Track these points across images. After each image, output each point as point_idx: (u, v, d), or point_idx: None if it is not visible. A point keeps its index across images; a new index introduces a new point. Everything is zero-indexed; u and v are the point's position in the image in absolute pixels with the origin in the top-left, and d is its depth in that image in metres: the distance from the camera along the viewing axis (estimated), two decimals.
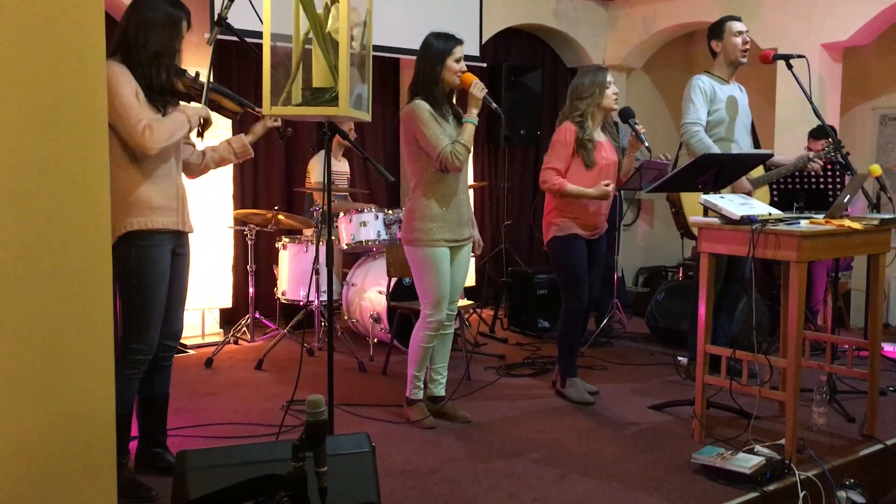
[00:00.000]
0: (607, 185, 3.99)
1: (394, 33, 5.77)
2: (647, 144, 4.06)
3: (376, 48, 5.76)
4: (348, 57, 2.37)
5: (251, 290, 5.31)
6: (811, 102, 4.10)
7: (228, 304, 5.52)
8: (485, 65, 6.54)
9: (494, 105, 3.60)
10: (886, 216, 3.50)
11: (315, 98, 2.49)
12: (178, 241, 3.00)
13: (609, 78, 4.07)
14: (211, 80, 2.95)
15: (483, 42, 6.43)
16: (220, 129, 4.96)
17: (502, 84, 6.77)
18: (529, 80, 6.96)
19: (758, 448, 3.23)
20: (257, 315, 5.42)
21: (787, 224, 3.26)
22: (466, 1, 6.21)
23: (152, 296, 2.87)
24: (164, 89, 2.86)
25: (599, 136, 4.11)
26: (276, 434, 3.33)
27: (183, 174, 3.08)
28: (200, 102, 2.93)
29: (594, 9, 7.33)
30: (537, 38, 7.43)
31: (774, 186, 5.03)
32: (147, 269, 2.84)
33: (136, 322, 2.88)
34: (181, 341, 5.10)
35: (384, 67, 6.53)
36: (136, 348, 2.89)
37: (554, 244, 4.13)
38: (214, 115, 3.03)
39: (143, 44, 2.79)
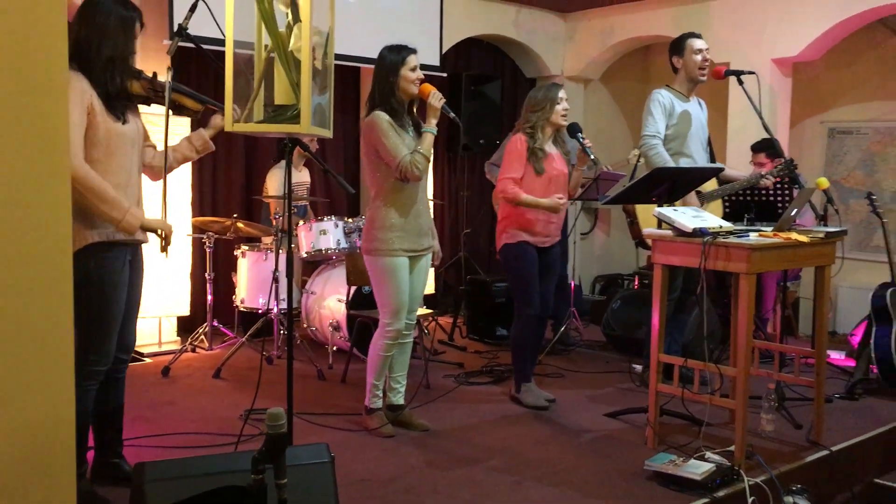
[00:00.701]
0: (560, 199, 4.09)
1: (355, 43, 5.80)
2: (593, 157, 4.16)
3: (337, 57, 5.76)
4: (311, 75, 2.40)
5: (209, 297, 5.29)
6: (761, 118, 4.23)
7: (186, 312, 5.47)
8: (445, 74, 6.60)
9: (453, 114, 3.66)
10: (832, 229, 3.62)
11: (277, 115, 2.52)
12: (133, 252, 2.99)
13: (561, 94, 4.19)
14: (170, 79, 2.93)
15: (443, 52, 6.49)
16: (179, 125, 4.94)
17: (462, 93, 6.83)
18: (489, 89, 7.03)
19: (708, 455, 3.32)
20: (215, 323, 5.39)
21: (738, 237, 3.36)
22: (427, 11, 6.26)
23: (111, 308, 2.86)
24: (121, 94, 2.84)
25: (550, 149, 4.23)
26: (234, 444, 3.33)
27: (146, 177, 3.08)
28: (159, 103, 2.93)
29: (553, 20, 7.43)
30: (497, 49, 7.52)
31: (726, 198, 5.16)
32: (107, 280, 2.83)
33: (95, 333, 2.86)
34: (138, 350, 5.10)
35: (345, 77, 6.54)
36: (94, 359, 2.87)
37: (505, 251, 4.23)
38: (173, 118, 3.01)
39: (97, 50, 2.76)
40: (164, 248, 2.91)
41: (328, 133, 2.78)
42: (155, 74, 2.95)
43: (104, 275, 2.83)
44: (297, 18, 2.42)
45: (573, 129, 4.22)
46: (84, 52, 2.78)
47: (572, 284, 5.94)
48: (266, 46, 2.54)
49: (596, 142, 7.64)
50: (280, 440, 1.80)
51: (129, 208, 2.79)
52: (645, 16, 6.91)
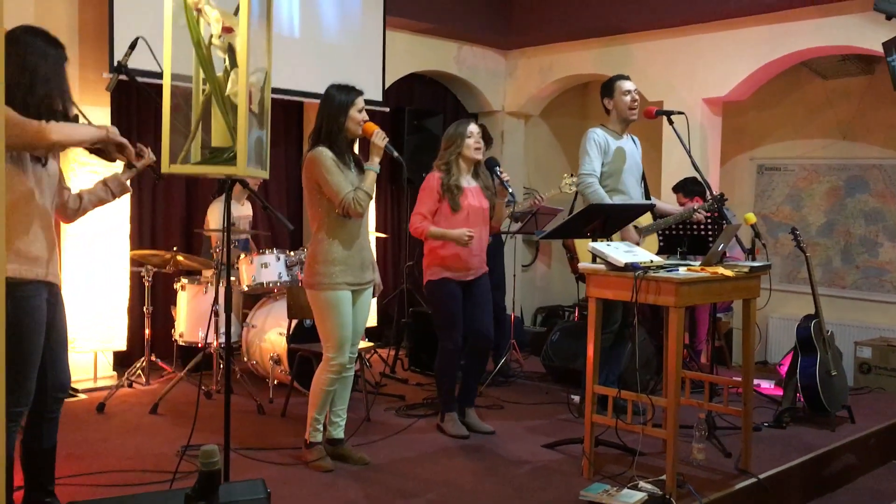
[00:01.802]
0: (469, 233, 4.13)
1: (297, 77, 5.85)
2: (511, 191, 4.24)
3: (281, 91, 5.84)
4: (247, 119, 2.44)
5: (147, 331, 5.22)
6: (690, 155, 4.40)
7: (123, 346, 5.39)
8: (387, 109, 6.69)
9: (396, 154, 3.74)
10: (756, 264, 3.78)
11: (214, 157, 2.55)
12: (50, 291, 2.92)
13: (471, 129, 4.29)
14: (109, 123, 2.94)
15: (386, 87, 6.58)
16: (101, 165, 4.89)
17: (405, 127, 6.93)
18: (431, 124, 7.15)
19: (641, 484, 3.40)
20: (153, 358, 5.32)
21: (667, 271, 3.48)
22: (370, 46, 6.35)
23: (29, 348, 2.79)
24: None
25: (468, 183, 4.32)
26: (170, 482, 3.29)
27: (59, 219, 3.05)
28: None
29: (494, 57, 7.60)
30: (440, 84, 7.65)
31: (661, 233, 5.33)
32: (24, 320, 2.75)
33: (13, 375, 2.78)
34: (73, 385, 4.99)
35: (288, 110, 6.59)
36: (12, 400, 2.80)
37: (428, 287, 4.33)
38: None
39: (29, 88, 2.71)
40: (111, 158, 2.89)
41: (265, 174, 2.83)
42: (76, 117, 2.91)
43: (21, 314, 2.75)
44: (233, 64, 2.46)
45: (490, 164, 4.33)
46: (16, 93, 2.69)
47: (512, 316, 6.02)
48: (203, 88, 2.58)
49: (535, 175, 7.88)
50: (213, 477, 1.81)
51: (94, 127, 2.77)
52: (582, 54, 7.12)
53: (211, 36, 2.47)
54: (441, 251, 4.24)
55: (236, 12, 2.44)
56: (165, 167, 2.63)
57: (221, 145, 2.52)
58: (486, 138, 6.58)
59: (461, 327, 4.29)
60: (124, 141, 2.85)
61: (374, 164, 3.69)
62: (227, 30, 2.43)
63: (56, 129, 2.66)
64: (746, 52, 6.11)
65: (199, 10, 2.41)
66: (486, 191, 4.37)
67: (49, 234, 2.88)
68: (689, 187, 5.84)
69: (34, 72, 2.74)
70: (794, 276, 6.77)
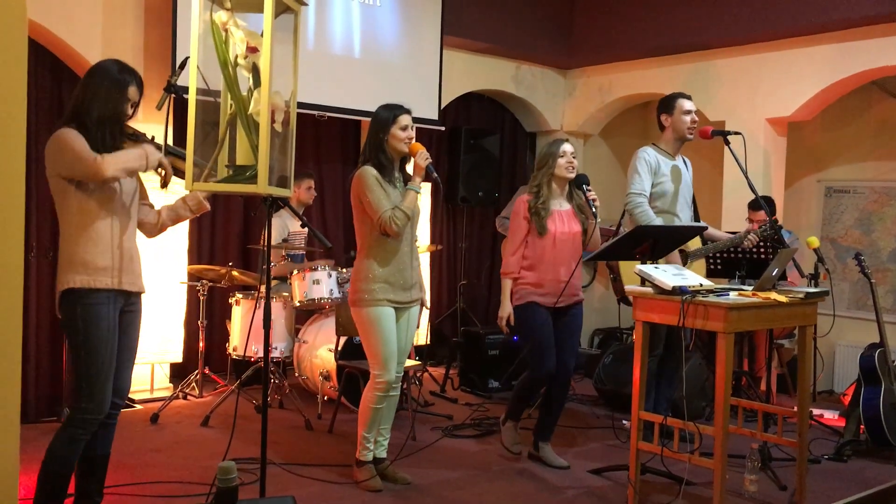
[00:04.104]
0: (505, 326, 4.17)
1: (356, 96, 5.92)
2: (594, 211, 4.08)
3: (340, 110, 5.94)
4: (268, 139, 2.47)
5: (202, 344, 5.32)
6: (746, 176, 4.28)
7: (179, 358, 5.51)
8: (444, 128, 6.71)
9: (435, 174, 3.75)
10: (812, 290, 3.63)
11: (236, 175, 2.59)
12: (126, 300, 3.04)
13: (565, 148, 4.13)
14: (170, 142, 3.03)
15: (442, 106, 6.60)
16: (177, 184, 5.02)
17: (461, 146, 6.94)
18: (488, 143, 7.14)
19: None
20: (206, 370, 5.42)
21: (717, 296, 3.38)
22: (427, 66, 6.39)
23: (100, 354, 2.90)
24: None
25: (560, 206, 4.17)
26: (207, 495, 3.33)
27: (140, 233, 3.17)
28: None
29: (552, 76, 7.56)
30: (497, 103, 7.64)
31: (718, 256, 5.19)
32: (92, 326, 2.89)
33: (86, 381, 2.90)
34: (130, 396, 5.12)
35: (346, 128, 6.67)
36: (85, 407, 2.91)
37: (516, 312, 4.17)
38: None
39: (87, 111, 2.89)
40: (164, 185, 2.98)
41: (288, 193, 2.88)
42: (153, 137, 3.05)
43: (89, 321, 2.89)
44: (257, 83, 2.50)
45: (578, 181, 4.16)
46: (79, 114, 2.92)
47: None
48: (230, 105, 2.63)
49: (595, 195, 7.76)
50: (231, 494, 1.82)
51: (149, 152, 2.89)
52: (642, 74, 7.02)
53: (237, 56, 2.52)
54: (531, 276, 4.13)
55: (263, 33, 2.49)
56: (189, 185, 2.68)
57: (245, 163, 2.56)
58: None
59: (553, 356, 4.12)
60: (164, 162, 2.95)
61: (415, 183, 3.70)
62: (252, 49, 2.47)
63: (110, 165, 2.80)
64: (813, 70, 5.93)
65: (226, 30, 2.47)
66: (581, 213, 4.22)
67: (124, 246, 2.99)
68: (771, 207, 5.60)
69: (94, 95, 2.91)
70: (863, 302, 6.50)
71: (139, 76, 3.02)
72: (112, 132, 2.93)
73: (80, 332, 2.89)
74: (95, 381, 2.90)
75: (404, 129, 3.70)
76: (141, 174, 3.13)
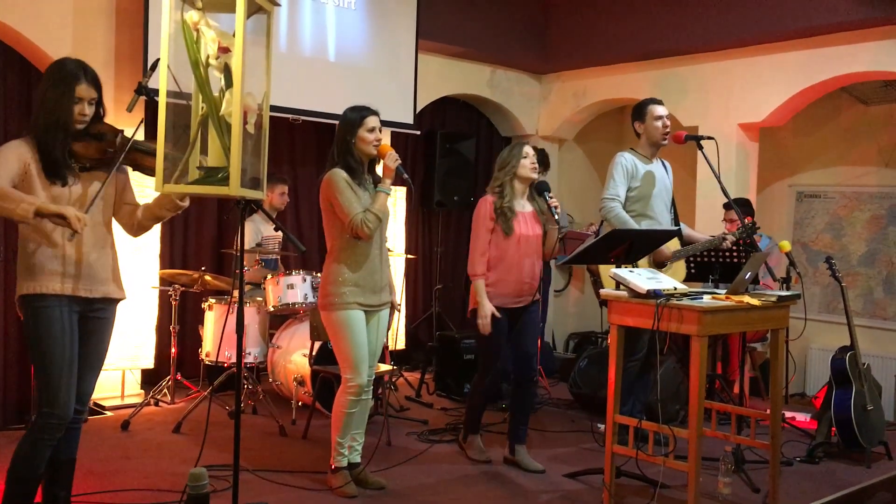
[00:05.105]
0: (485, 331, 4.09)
1: (330, 100, 5.87)
2: (556, 217, 4.09)
3: (316, 114, 5.90)
4: (240, 140, 2.44)
5: (174, 350, 5.25)
6: (719, 180, 4.33)
7: (151, 364, 5.42)
8: (419, 132, 6.69)
9: (406, 176, 3.72)
10: (784, 293, 3.66)
11: (208, 177, 2.56)
12: (87, 306, 2.97)
13: (527, 150, 4.18)
14: (141, 137, 2.97)
15: (418, 110, 6.59)
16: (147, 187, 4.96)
17: (437, 150, 6.93)
18: (463, 147, 7.14)
19: None
20: (178, 377, 5.34)
21: (691, 299, 3.39)
22: (402, 70, 6.37)
23: (55, 358, 2.85)
24: (60, 162, 2.86)
25: (523, 207, 4.20)
26: (179, 501, 3.28)
27: (128, 233, 3.17)
28: (126, 163, 2.98)
29: (527, 81, 7.58)
30: (473, 107, 7.64)
31: (692, 259, 5.21)
32: (43, 331, 2.85)
33: (45, 386, 2.86)
34: (99, 402, 5.05)
35: (323, 132, 6.62)
36: (47, 412, 2.86)
37: (473, 314, 4.17)
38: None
39: (35, 120, 2.86)
40: (72, 235, 2.71)
41: (261, 195, 2.84)
42: (122, 132, 2.96)
43: (40, 325, 2.86)
44: (229, 84, 2.47)
45: (540, 188, 4.21)
46: (31, 125, 2.89)
47: (539, 342, 5.93)
48: (201, 107, 2.59)
49: (569, 201, 7.80)
50: (201, 501, 1.79)
51: (23, 199, 2.64)
52: (617, 78, 7.06)
53: (208, 56, 2.49)
54: (491, 276, 4.13)
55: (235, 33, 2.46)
56: (159, 187, 2.65)
57: (216, 165, 2.53)
58: (545, 163, 6.54)
59: (503, 356, 4.17)
60: (58, 213, 2.67)
61: (385, 185, 3.68)
62: (224, 50, 2.44)
63: None
64: (784, 76, 5.99)
65: (197, 30, 2.44)
66: (541, 216, 4.24)
67: (82, 251, 2.92)
68: (747, 207, 5.66)
69: (41, 104, 2.86)
70: (834, 306, 6.57)
71: (92, 71, 2.92)
72: (59, 141, 2.84)
73: (34, 337, 2.88)
74: (54, 385, 2.85)
75: (371, 130, 3.68)
76: (140, 175, 3.09)
